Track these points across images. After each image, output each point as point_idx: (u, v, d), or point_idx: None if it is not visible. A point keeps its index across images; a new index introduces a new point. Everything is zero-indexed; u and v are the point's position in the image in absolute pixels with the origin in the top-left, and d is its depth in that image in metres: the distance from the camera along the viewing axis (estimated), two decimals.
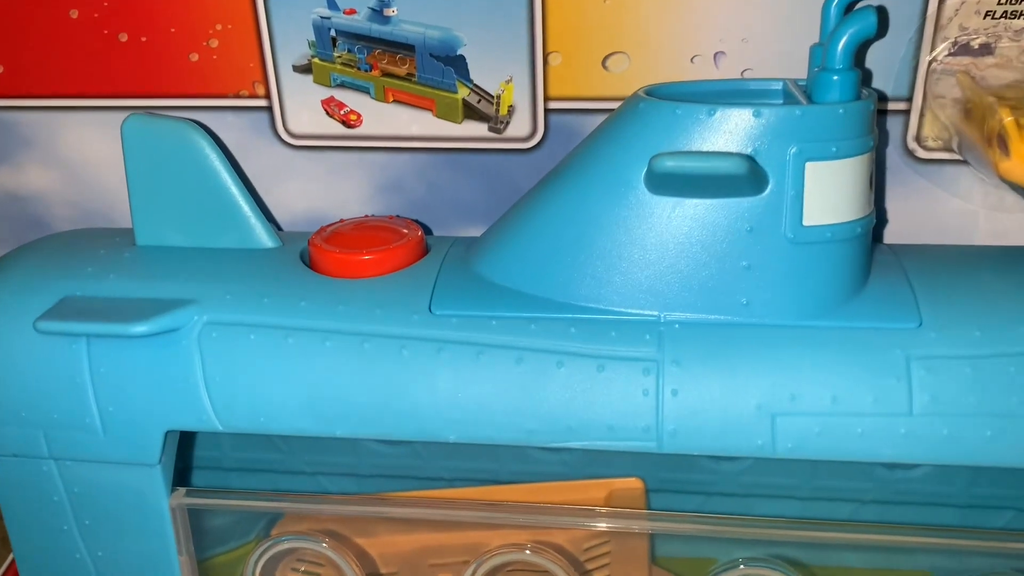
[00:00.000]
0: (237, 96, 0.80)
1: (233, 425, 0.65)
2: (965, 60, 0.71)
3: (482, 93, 0.77)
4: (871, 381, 0.59)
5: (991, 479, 0.74)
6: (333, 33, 0.77)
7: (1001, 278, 0.64)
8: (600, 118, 0.74)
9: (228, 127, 0.82)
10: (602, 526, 0.68)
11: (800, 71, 0.71)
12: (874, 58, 0.72)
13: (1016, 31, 0.70)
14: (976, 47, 0.71)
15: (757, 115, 0.58)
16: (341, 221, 0.73)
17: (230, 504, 0.69)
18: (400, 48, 0.76)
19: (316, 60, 0.78)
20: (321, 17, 0.76)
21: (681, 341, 0.61)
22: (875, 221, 0.64)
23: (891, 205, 0.77)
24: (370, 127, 0.80)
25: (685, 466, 0.78)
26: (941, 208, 0.76)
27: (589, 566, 0.73)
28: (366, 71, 0.78)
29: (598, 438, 0.61)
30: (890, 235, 0.77)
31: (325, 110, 0.80)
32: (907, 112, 0.74)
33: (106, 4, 0.78)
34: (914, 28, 0.71)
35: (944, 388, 0.59)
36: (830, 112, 0.59)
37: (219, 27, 0.78)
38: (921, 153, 0.75)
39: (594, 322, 0.63)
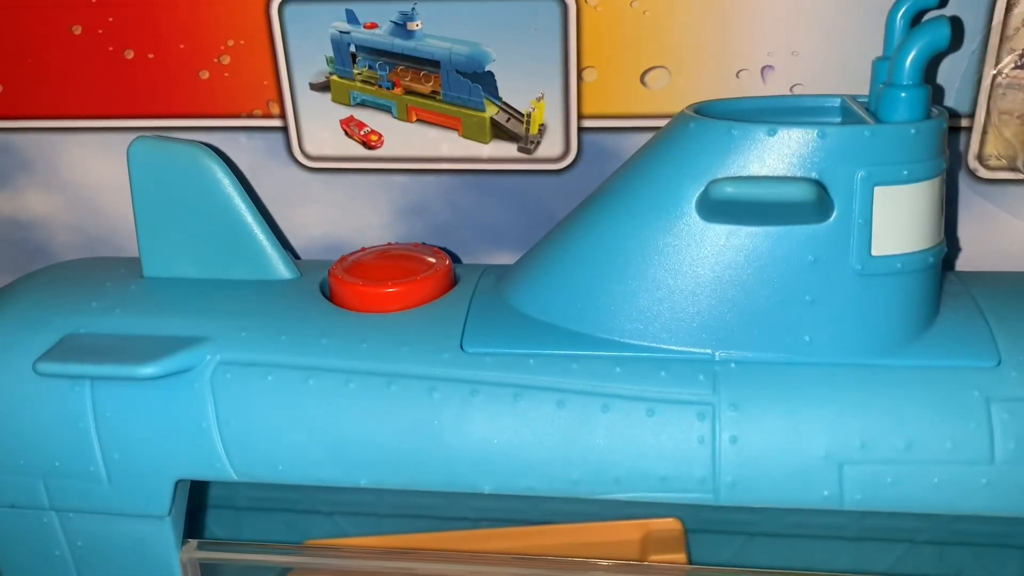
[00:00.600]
0: (250, 116, 0.76)
1: (248, 474, 0.60)
2: None
3: (511, 111, 0.72)
4: (948, 426, 0.54)
5: None
6: (353, 49, 0.72)
7: None
8: (638, 137, 0.70)
9: (241, 149, 0.77)
10: None
11: (856, 86, 0.66)
12: (939, 68, 0.67)
13: None
14: None
15: (822, 136, 0.53)
16: (363, 250, 0.68)
17: (245, 558, 0.64)
18: (424, 64, 0.72)
19: (335, 77, 0.73)
20: (340, 32, 0.71)
21: (738, 382, 0.56)
22: (947, 249, 0.59)
23: (949, 228, 0.72)
24: (392, 148, 0.75)
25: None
26: (1005, 231, 0.71)
27: None
28: (388, 89, 0.73)
29: (649, 489, 0.56)
30: (948, 262, 0.72)
31: (344, 130, 0.75)
32: (969, 129, 0.69)
33: (111, 19, 0.73)
34: (978, 39, 0.66)
35: None
36: (901, 132, 0.54)
37: (231, 43, 0.73)
38: (983, 173, 0.70)
39: (642, 360, 0.58)
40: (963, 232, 0.72)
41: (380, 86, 0.73)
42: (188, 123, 0.76)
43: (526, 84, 0.71)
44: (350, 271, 0.65)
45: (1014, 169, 0.68)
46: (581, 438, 0.56)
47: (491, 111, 0.72)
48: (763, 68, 0.69)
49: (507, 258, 0.76)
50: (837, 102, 0.62)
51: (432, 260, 0.66)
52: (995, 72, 0.66)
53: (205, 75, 0.74)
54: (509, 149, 0.74)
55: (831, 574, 0.60)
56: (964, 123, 0.69)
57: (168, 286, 0.66)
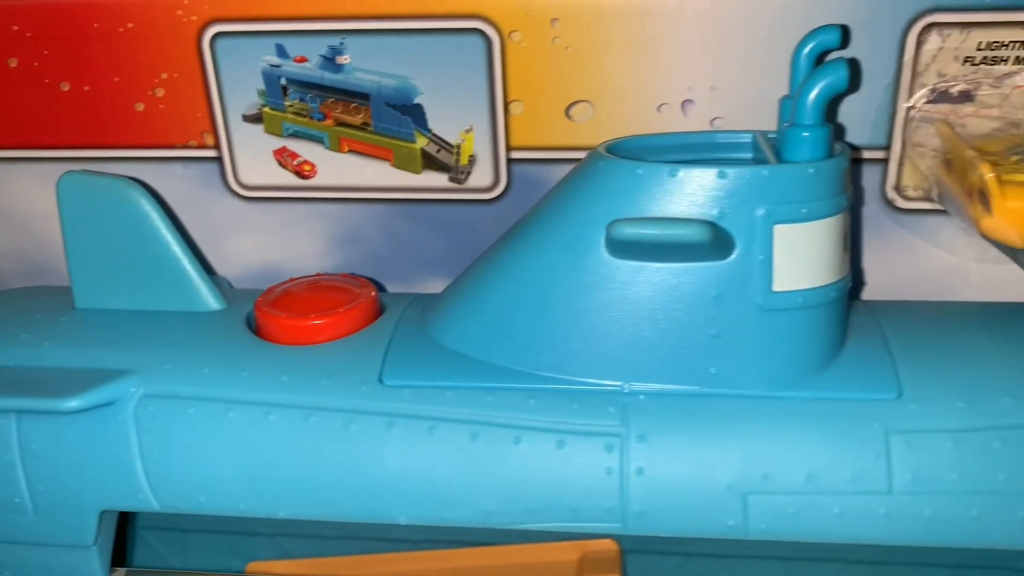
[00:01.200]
0: (186, 147, 0.77)
1: (171, 505, 0.61)
2: (944, 107, 0.68)
3: (441, 143, 0.74)
4: (847, 457, 0.55)
5: None
6: (284, 82, 0.73)
7: (986, 340, 0.61)
8: (566, 168, 0.71)
9: (178, 179, 0.78)
10: None
11: (774, 121, 0.67)
12: (850, 105, 0.69)
13: (997, 77, 0.67)
14: (956, 94, 0.67)
15: (722, 176, 0.55)
16: (291, 280, 0.70)
17: None
18: (354, 97, 0.73)
19: (267, 109, 0.74)
20: (271, 65, 0.73)
21: (647, 414, 0.58)
22: (851, 283, 0.60)
23: (870, 258, 0.73)
24: (325, 178, 0.76)
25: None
26: (923, 260, 0.73)
27: None
28: (319, 120, 0.74)
29: (559, 520, 0.57)
30: (869, 291, 0.73)
31: (278, 160, 0.76)
32: (885, 161, 0.70)
33: (46, 52, 0.74)
34: (891, 74, 0.67)
35: (926, 465, 0.55)
36: (799, 172, 0.55)
37: (164, 76, 0.74)
38: (901, 203, 0.71)
39: (555, 393, 0.59)
40: (883, 261, 0.73)
41: (312, 118, 0.74)
42: (125, 153, 0.77)
43: (455, 116, 0.73)
44: (275, 303, 0.66)
45: (930, 200, 0.70)
46: (494, 470, 0.58)
47: (421, 142, 0.74)
48: (683, 102, 0.70)
49: (441, 285, 0.77)
50: (749, 138, 0.64)
51: (358, 291, 0.67)
52: (908, 106, 0.68)
53: (140, 107, 0.75)
54: (441, 179, 0.75)
55: None
56: (881, 155, 0.70)
57: (97, 318, 0.67)
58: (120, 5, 0.72)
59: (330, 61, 0.72)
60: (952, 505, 0.54)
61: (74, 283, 0.68)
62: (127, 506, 0.61)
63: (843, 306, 0.59)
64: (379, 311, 0.67)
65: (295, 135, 0.75)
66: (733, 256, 0.56)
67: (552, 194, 0.61)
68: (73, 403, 0.60)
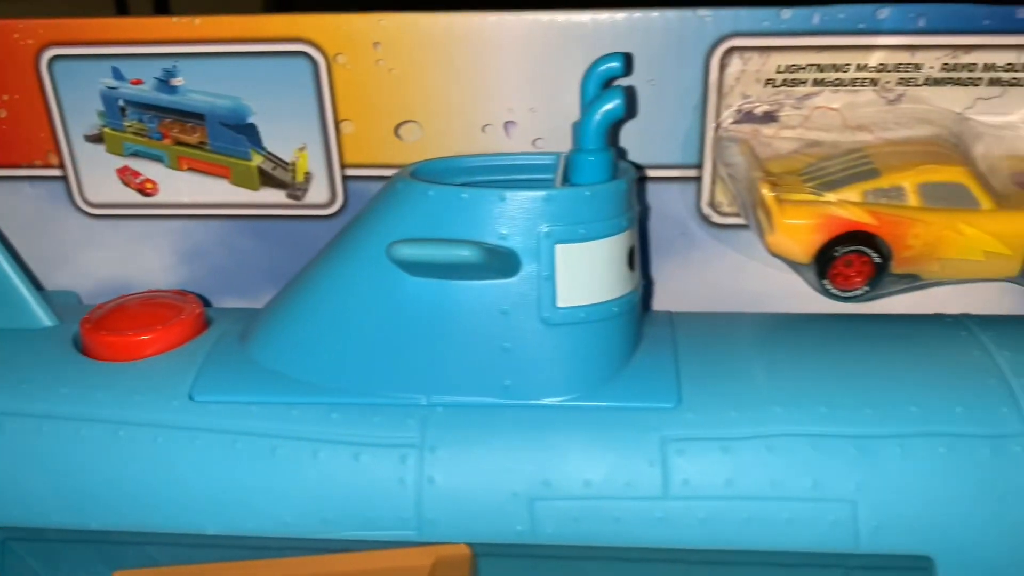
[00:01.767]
0: (31, 166, 0.78)
1: None
2: (750, 127, 0.71)
3: (277, 160, 0.76)
4: (625, 464, 0.58)
5: None
6: (122, 103, 0.75)
7: (775, 351, 0.64)
8: None
9: (27, 198, 0.80)
10: None
11: None
12: (665, 124, 0.72)
13: (798, 99, 0.70)
14: (760, 115, 0.71)
15: (503, 199, 0.58)
16: (122, 297, 0.71)
17: None
18: (190, 117, 0.75)
19: (107, 130, 0.76)
20: (108, 87, 0.74)
21: (443, 426, 0.60)
22: (638, 297, 0.63)
23: (688, 271, 0.76)
24: (168, 195, 0.78)
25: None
26: (741, 273, 0.76)
27: None
28: (158, 140, 0.76)
29: (356, 529, 0.60)
30: (688, 303, 0.76)
31: (121, 179, 0.78)
32: (699, 179, 0.73)
33: None
34: (698, 96, 0.70)
35: (698, 471, 0.58)
36: (576, 195, 0.58)
37: (6, 97, 0.75)
38: (716, 219, 0.75)
39: (357, 407, 0.61)
40: (700, 274, 0.76)
41: (150, 137, 0.76)
42: None
43: (288, 135, 0.75)
44: (100, 320, 0.67)
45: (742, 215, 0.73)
46: (293, 481, 0.60)
47: (257, 160, 0.76)
48: (506, 123, 0.73)
49: None
50: (553, 160, 0.67)
51: (183, 307, 0.69)
52: (716, 126, 0.71)
53: None
54: (279, 196, 0.77)
55: None
56: (694, 173, 0.73)
57: None
58: None
59: (164, 83, 0.74)
60: (723, 509, 0.57)
61: None
62: None
63: (630, 319, 0.62)
64: (204, 326, 0.69)
65: (136, 154, 0.77)
66: (519, 274, 0.59)
67: (359, 214, 0.64)
68: None
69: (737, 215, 0.74)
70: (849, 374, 0.61)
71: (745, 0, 0.69)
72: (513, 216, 0.58)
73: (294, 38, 0.71)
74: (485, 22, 0.70)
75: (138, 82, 0.74)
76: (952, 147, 0.66)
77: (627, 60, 0.66)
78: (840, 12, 0.67)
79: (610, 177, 0.60)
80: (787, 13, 0.67)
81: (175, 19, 0.72)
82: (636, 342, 0.64)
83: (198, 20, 0.72)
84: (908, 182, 0.62)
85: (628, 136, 0.72)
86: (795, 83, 0.70)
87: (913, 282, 0.65)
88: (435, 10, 0.70)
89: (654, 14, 0.69)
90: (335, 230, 0.77)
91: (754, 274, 0.76)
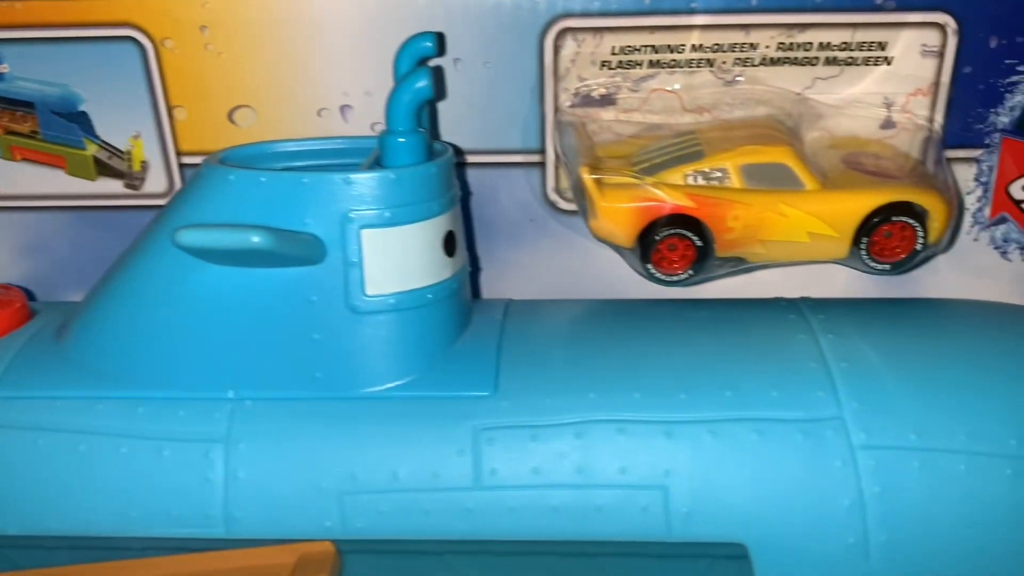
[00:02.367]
0: None
1: None
2: (589, 111, 0.70)
3: (112, 149, 0.73)
4: (434, 455, 0.57)
5: None
6: None
7: (600, 337, 0.63)
8: None
9: None
10: None
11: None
12: (503, 107, 0.70)
13: (635, 81, 0.69)
14: (598, 98, 0.69)
15: (306, 182, 0.56)
16: None
17: None
18: (19, 105, 0.72)
19: None
20: None
21: (252, 420, 0.58)
22: (460, 284, 0.61)
23: (539, 258, 0.75)
24: (3, 187, 0.76)
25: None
26: (592, 259, 0.75)
27: None
28: None
29: (161, 527, 0.58)
30: (541, 290, 0.75)
31: None
32: (543, 164, 0.72)
33: None
34: (534, 77, 0.69)
35: (507, 460, 0.56)
36: (381, 179, 0.56)
37: None
38: (563, 204, 0.73)
39: (164, 402, 0.59)
40: (551, 261, 0.75)
41: None
42: None
43: (122, 123, 0.72)
44: None
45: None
46: (96, 478, 0.58)
47: (92, 149, 0.73)
48: (342, 107, 0.71)
49: None
50: (375, 143, 0.65)
51: (1, 300, 0.67)
52: (555, 109, 0.70)
53: None
54: (117, 186, 0.75)
55: None
56: (538, 159, 0.72)
57: None
58: None
59: None
60: (531, 498, 0.56)
61: None
62: None
63: (450, 307, 0.61)
64: (25, 320, 0.67)
65: None
66: (325, 261, 0.57)
67: (167, 203, 0.62)
68: None
69: None
70: (669, 359, 0.60)
71: None
72: (316, 201, 0.56)
73: (120, 23, 0.69)
74: (313, 2, 0.68)
75: None
76: (783, 128, 0.65)
77: (439, 39, 0.65)
78: None
79: (422, 159, 0.58)
80: None
81: None
82: (459, 330, 0.62)
83: (19, 4, 0.69)
84: (730, 163, 0.61)
85: (466, 119, 0.70)
86: (631, 65, 0.68)
87: (740, 265, 0.64)
88: None
89: None
90: None
91: (606, 261, 0.74)
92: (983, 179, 0.71)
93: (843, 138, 0.68)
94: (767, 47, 0.67)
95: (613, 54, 0.68)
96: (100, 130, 0.73)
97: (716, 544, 0.56)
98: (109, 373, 0.61)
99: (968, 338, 0.61)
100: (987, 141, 0.70)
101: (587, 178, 0.61)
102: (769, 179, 0.61)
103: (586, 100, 0.69)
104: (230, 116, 0.72)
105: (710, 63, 0.68)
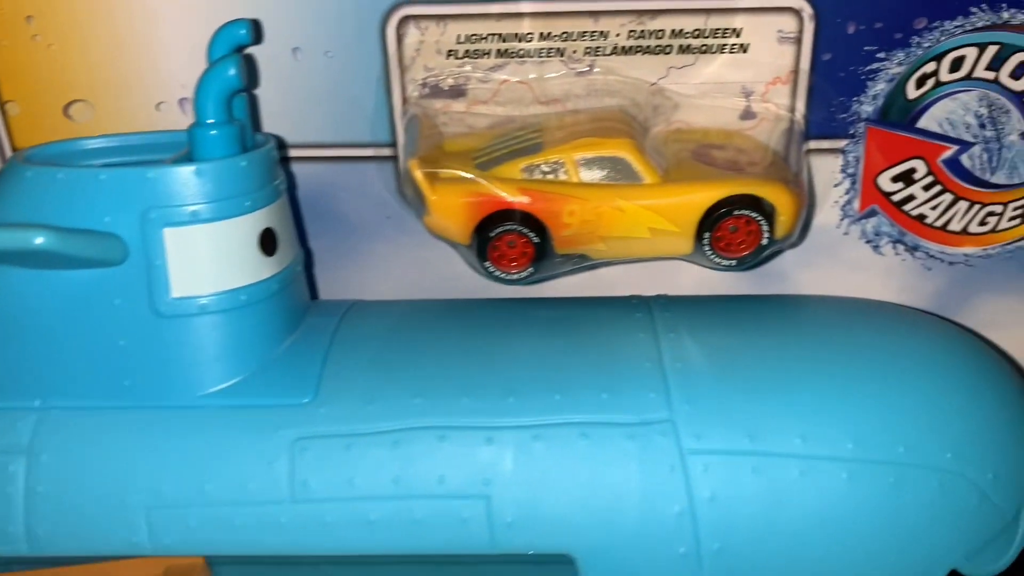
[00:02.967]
0: None
1: None
2: (439, 103, 0.67)
3: None
4: (247, 467, 0.54)
5: None
6: None
7: (437, 339, 0.60)
8: None
9: None
10: None
11: (268, 119, 0.66)
12: (349, 99, 0.67)
13: (485, 71, 0.66)
14: (447, 89, 0.66)
15: (103, 178, 0.53)
16: None
17: None
18: None
19: None
20: None
21: (57, 431, 0.55)
22: (284, 284, 0.58)
23: (399, 256, 0.71)
24: None
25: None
26: (455, 257, 0.71)
27: None
28: None
29: None
30: (398, 290, 0.72)
31: None
32: (395, 159, 0.69)
33: None
34: (379, 69, 0.66)
35: (322, 471, 0.53)
36: (183, 174, 0.53)
37: None
38: None
39: None
40: (411, 259, 0.71)
41: None
42: None
43: None
44: None
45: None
46: None
47: None
48: (181, 100, 0.68)
49: None
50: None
51: None
52: (403, 102, 0.67)
53: None
54: None
55: None
56: (389, 152, 0.69)
57: None
58: None
59: None
60: (347, 511, 0.53)
61: None
62: None
63: (270, 308, 0.57)
64: None
65: None
66: (128, 262, 0.54)
67: None
68: None
69: None
70: (503, 362, 0.57)
71: None
72: (114, 198, 0.53)
73: None
74: None
75: None
76: (629, 120, 0.62)
77: (256, 27, 0.62)
78: None
79: (236, 152, 0.55)
80: None
81: None
82: (284, 333, 0.59)
83: None
84: (567, 157, 0.58)
85: (309, 111, 0.67)
86: (478, 54, 0.65)
87: (584, 263, 0.61)
88: None
89: None
90: None
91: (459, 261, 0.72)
92: (850, 170, 0.68)
93: (698, 130, 0.65)
94: (618, 35, 0.65)
95: (459, 43, 0.65)
96: None
97: (542, 555, 0.53)
98: None
99: (816, 337, 0.59)
100: (852, 131, 0.67)
101: (417, 172, 0.58)
102: (606, 172, 0.58)
103: (436, 91, 0.66)
104: (66, 111, 0.68)
105: (560, 52, 0.65)
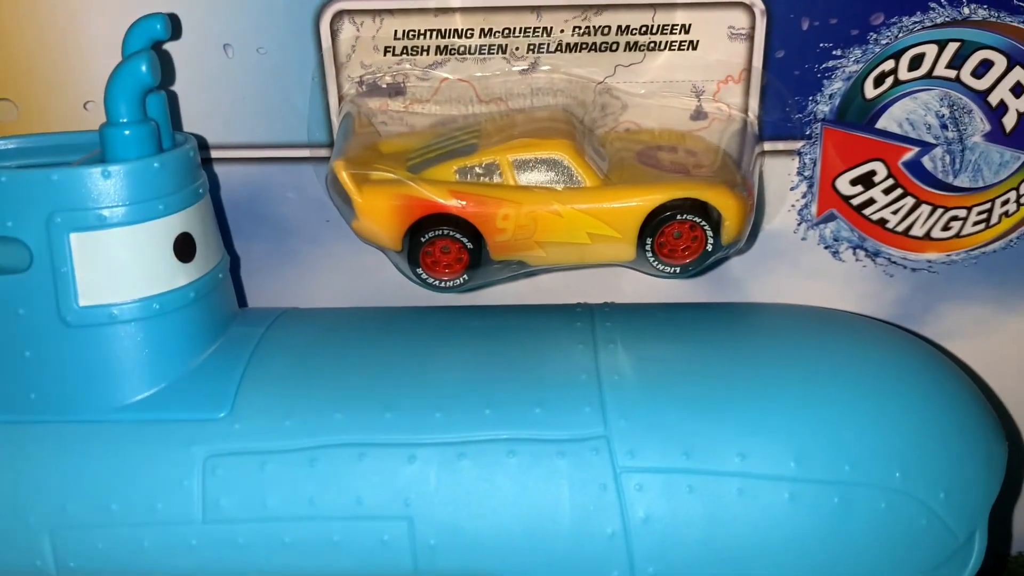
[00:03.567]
0: None
1: None
2: (378, 101, 0.64)
3: None
4: (157, 486, 0.51)
5: None
6: None
7: (368, 350, 0.57)
8: None
9: None
10: None
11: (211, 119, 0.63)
12: (282, 98, 0.64)
13: (424, 69, 0.63)
14: (385, 86, 0.64)
15: (3, 180, 0.50)
16: None
17: None
18: None
19: None
20: None
21: None
22: (203, 292, 0.55)
23: (340, 263, 0.69)
24: None
25: None
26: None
27: None
28: None
29: None
30: (338, 296, 0.69)
31: None
32: (328, 159, 0.66)
33: None
34: (314, 65, 0.63)
35: (236, 491, 0.50)
36: (91, 175, 0.50)
37: None
38: None
39: None
40: (352, 265, 0.68)
41: None
42: None
43: None
44: None
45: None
46: None
47: None
48: None
49: None
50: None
51: None
52: (339, 101, 0.64)
53: None
54: None
55: None
56: (327, 153, 0.66)
57: None
58: None
59: None
60: (260, 533, 0.50)
61: None
62: None
63: (187, 317, 0.54)
64: None
65: None
66: (32, 269, 0.51)
67: None
68: None
69: None
70: (433, 374, 0.54)
71: None
72: (17, 201, 0.50)
73: None
74: None
75: None
76: (571, 120, 0.59)
77: (173, 21, 0.59)
78: None
79: (150, 153, 0.52)
80: None
81: None
82: (204, 344, 0.56)
83: None
84: (502, 158, 0.56)
85: (241, 111, 0.64)
86: (417, 51, 0.63)
87: (523, 269, 0.58)
88: None
89: None
90: None
91: None
92: (807, 173, 0.66)
93: (648, 131, 0.63)
94: (562, 32, 0.62)
95: (396, 39, 0.62)
96: None
97: None
98: None
99: (762, 349, 0.56)
100: (808, 132, 0.64)
101: (342, 173, 0.55)
102: (543, 175, 0.55)
103: (374, 89, 0.64)
104: None
105: (502, 49, 0.62)
